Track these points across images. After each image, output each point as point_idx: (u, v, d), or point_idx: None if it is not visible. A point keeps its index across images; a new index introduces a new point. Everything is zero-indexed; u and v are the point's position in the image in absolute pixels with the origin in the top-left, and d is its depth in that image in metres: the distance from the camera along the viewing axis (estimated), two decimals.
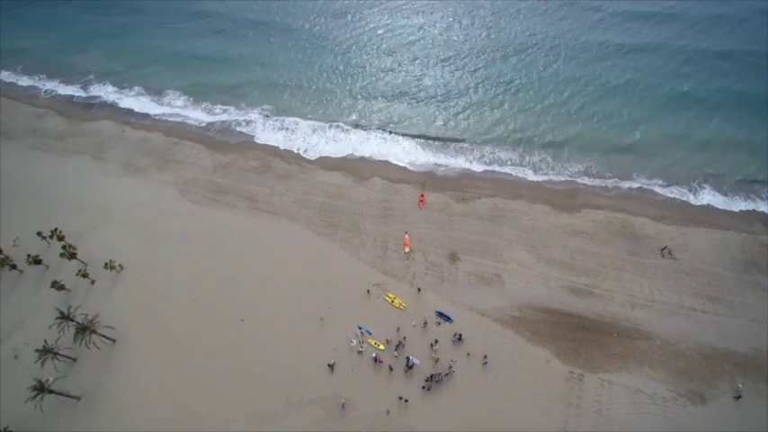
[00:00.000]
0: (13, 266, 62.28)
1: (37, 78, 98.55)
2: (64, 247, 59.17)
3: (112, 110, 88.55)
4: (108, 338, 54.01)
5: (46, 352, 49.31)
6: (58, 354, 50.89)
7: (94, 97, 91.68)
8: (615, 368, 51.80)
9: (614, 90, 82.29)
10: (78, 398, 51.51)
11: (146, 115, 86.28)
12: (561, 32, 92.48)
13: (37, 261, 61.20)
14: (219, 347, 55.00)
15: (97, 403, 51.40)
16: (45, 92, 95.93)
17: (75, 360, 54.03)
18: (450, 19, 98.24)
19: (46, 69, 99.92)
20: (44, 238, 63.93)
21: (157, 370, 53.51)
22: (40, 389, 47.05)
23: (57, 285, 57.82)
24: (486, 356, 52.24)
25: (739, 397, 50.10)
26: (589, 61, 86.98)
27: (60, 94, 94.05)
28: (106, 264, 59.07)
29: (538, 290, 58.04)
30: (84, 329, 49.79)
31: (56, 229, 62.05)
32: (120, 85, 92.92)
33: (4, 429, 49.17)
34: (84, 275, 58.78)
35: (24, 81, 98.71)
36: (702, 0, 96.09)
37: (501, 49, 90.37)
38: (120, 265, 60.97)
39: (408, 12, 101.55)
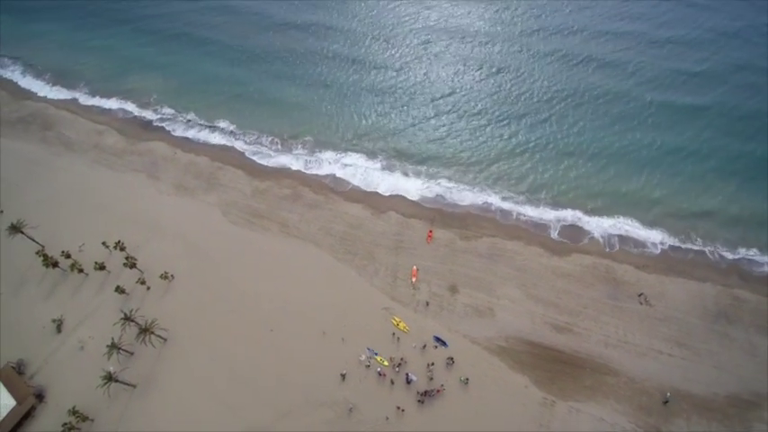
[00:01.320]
0: (81, 270, 73.92)
1: (99, 96, 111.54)
2: (126, 258, 70.68)
3: (166, 132, 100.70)
4: (161, 338, 65.07)
5: (113, 347, 60.58)
6: (121, 348, 62.12)
7: (151, 118, 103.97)
8: (584, 398, 60.22)
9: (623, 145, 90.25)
10: (134, 386, 62.64)
11: (196, 140, 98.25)
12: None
13: (102, 267, 72.81)
14: (251, 352, 65.48)
15: (150, 391, 62.53)
16: (105, 109, 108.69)
17: (132, 354, 65.23)
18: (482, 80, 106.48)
19: (107, 88, 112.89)
20: (107, 247, 75.65)
21: (200, 367, 64.35)
22: (109, 378, 58.16)
23: (119, 290, 69.33)
24: (468, 378, 61.46)
25: (666, 402, 59.29)
26: (615, 123, 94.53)
27: (119, 113, 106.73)
28: (162, 274, 70.48)
29: (524, 324, 66.87)
30: (145, 330, 60.86)
31: (119, 241, 73.72)
32: (177, 108, 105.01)
33: (73, 408, 59.93)
34: (143, 282, 70.20)
35: (86, 98, 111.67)
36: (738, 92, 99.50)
37: (531, 113, 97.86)
38: (171, 275, 72.16)
39: (442, 65, 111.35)
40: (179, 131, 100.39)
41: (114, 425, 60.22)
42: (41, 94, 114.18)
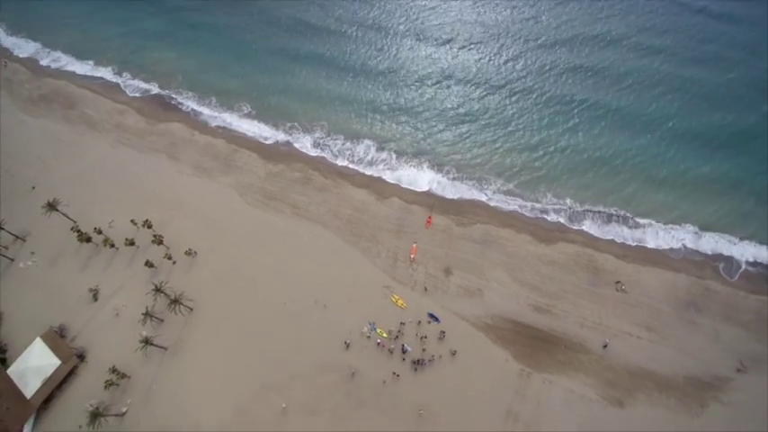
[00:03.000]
0: (112, 245, 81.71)
1: (119, 75, 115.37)
2: (154, 236, 78.33)
3: (184, 113, 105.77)
4: (188, 308, 73.56)
5: (147, 315, 69.18)
6: (153, 316, 70.74)
7: (169, 99, 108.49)
8: (557, 371, 68.52)
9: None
10: (166, 348, 71.62)
11: (213, 122, 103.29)
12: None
13: (131, 243, 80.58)
14: (267, 322, 73.82)
15: (179, 353, 71.56)
16: (125, 88, 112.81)
17: (162, 321, 73.89)
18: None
19: (127, 67, 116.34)
20: (135, 224, 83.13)
21: (222, 333, 73.01)
22: (146, 341, 66.95)
23: (148, 264, 77.40)
24: (456, 350, 69.86)
25: (605, 346, 69.31)
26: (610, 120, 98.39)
27: (139, 93, 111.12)
28: (186, 251, 78.36)
29: (509, 305, 74.56)
30: (175, 301, 69.23)
31: (146, 220, 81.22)
32: (196, 90, 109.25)
33: (113, 367, 68.87)
34: (169, 257, 78.15)
35: (107, 76, 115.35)
36: None
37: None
38: (194, 252, 79.99)
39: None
40: (197, 113, 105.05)
41: (149, 381, 69.51)
42: (62, 71, 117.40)
